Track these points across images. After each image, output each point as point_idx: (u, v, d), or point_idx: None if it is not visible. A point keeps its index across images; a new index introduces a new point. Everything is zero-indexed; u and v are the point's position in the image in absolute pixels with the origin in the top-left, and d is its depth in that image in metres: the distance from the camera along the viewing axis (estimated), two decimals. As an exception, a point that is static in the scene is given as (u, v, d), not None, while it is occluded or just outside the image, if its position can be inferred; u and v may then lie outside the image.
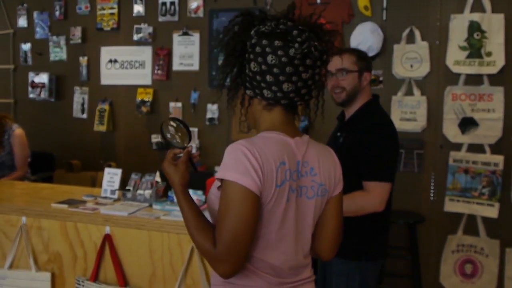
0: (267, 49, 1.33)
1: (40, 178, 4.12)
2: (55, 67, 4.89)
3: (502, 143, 3.58)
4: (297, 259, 1.42)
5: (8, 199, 2.89)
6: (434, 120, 3.75)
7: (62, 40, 4.82)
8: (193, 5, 4.36)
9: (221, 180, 1.31)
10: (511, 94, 3.57)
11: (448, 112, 3.68)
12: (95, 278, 2.46)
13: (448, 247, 3.73)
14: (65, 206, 2.57)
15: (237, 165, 1.28)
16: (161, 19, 4.47)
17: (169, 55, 4.47)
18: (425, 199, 3.79)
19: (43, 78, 4.86)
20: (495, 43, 3.54)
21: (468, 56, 3.59)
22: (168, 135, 1.54)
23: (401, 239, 3.66)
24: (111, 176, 2.78)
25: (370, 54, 3.73)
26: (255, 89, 1.39)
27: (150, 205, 2.61)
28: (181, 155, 1.49)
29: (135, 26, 4.53)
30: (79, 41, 4.75)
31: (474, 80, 3.63)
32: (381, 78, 3.85)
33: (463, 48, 3.61)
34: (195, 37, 4.38)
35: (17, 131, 3.74)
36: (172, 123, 1.54)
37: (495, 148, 3.59)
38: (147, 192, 2.68)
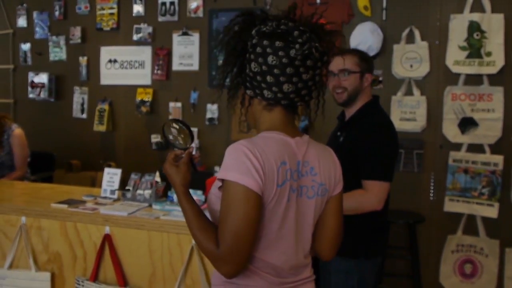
0: (268, 50, 1.33)
1: (40, 178, 4.12)
2: (54, 67, 4.89)
3: (502, 143, 3.58)
4: (298, 259, 1.42)
5: (8, 199, 2.88)
6: (434, 120, 3.75)
7: (61, 40, 4.82)
8: (192, 5, 4.36)
9: (222, 180, 1.31)
10: (511, 94, 3.58)
11: (448, 112, 3.68)
12: (94, 278, 2.46)
13: (447, 247, 3.73)
14: (64, 206, 2.57)
15: (238, 165, 1.28)
16: (160, 19, 4.47)
17: (168, 55, 4.47)
18: (425, 199, 3.79)
19: (42, 78, 4.86)
20: (494, 43, 3.54)
21: (468, 56, 3.59)
22: (170, 137, 1.54)
23: (401, 239, 3.66)
24: (111, 176, 2.78)
25: (370, 54, 3.73)
26: (256, 89, 1.38)
27: (150, 205, 2.60)
28: (183, 156, 1.49)
29: (135, 26, 4.53)
30: (79, 41, 4.75)
31: (473, 80, 3.63)
32: (380, 78, 3.85)
33: (462, 48, 3.61)
34: (195, 37, 4.38)
35: (17, 131, 3.74)
36: (174, 125, 1.53)
37: (495, 148, 3.59)
38: (147, 192, 2.68)
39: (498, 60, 3.53)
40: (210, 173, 3.56)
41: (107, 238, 2.44)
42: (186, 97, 4.42)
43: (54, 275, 2.57)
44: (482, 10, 3.58)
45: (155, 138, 4.47)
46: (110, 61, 4.71)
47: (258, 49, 1.34)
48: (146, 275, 2.41)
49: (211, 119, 4.33)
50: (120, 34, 4.65)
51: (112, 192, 2.75)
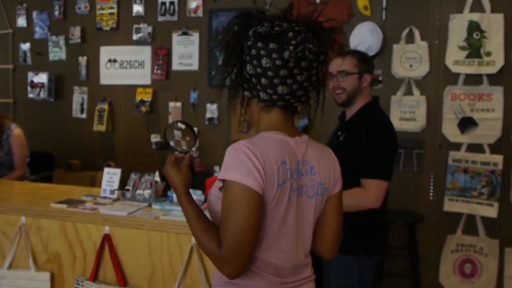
0: (262, 52, 1.33)
1: (39, 178, 4.12)
2: (54, 67, 4.89)
3: (502, 142, 3.58)
4: (298, 258, 1.43)
5: (7, 199, 2.88)
6: (433, 120, 3.75)
7: (61, 40, 4.82)
8: (192, 5, 4.36)
9: (223, 180, 1.31)
10: (510, 94, 3.58)
11: (448, 112, 3.68)
12: (94, 278, 2.46)
13: (447, 246, 3.73)
14: (64, 206, 2.57)
15: (239, 165, 1.28)
16: (160, 19, 4.47)
17: (168, 55, 4.47)
18: (425, 199, 3.80)
19: (42, 78, 4.86)
20: (494, 43, 3.54)
21: (468, 56, 3.59)
22: (172, 142, 1.53)
23: (400, 239, 3.66)
24: (110, 176, 2.78)
25: (370, 54, 3.73)
26: (252, 91, 1.39)
27: (150, 205, 2.60)
28: (184, 158, 1.49)
29: (135, 26, 4.53)
30: (79, 41, 4.75)
31: (473, 80, 3.64)
32: (380, 78, 3.85)
33: (462, 48, 3.61)
34: (195, 37, 4.38)
35: (16, 131, 3.74)
36: (180, 125, 1.53)
37: (495, 148, 3.59)
38: (147, 192, 2.68)
39: (497, 60, 3.53)
40: (210, 173, 3.56)
41: (106, 238, 2.44)
42: (185, 97, 4.42)
43: (54, 275, 2.57)
44: (481, 10, 3.58)
45: (155, 138, 4.47)
46: (109, 61, 4.71)
47: (253, 51, 1.34)
48: (145, 275, 2.41)
49: (210, 119, 4.33)
50: (120, 34, 4.65)
51: (112, 192, 2.74)
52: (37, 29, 4.92)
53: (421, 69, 3.73)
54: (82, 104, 4.80)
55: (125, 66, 4.65)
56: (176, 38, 4.44)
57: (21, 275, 2.58)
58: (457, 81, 3.68)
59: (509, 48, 3.54)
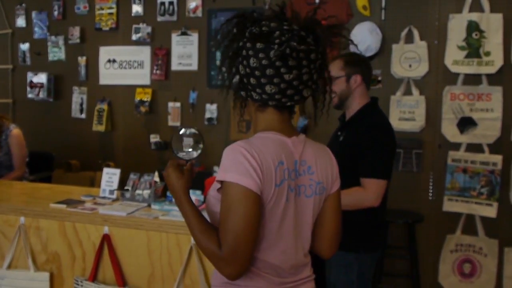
0: (250, 52, 1.33)
1: (39, 178, 4.11)
2: (53, 67, 4.88)
3: (501, 142, 3.58)
4: (297, 258, 1.43)
5: (6, 199, 2.88)
6: (432, 119, 3.75)
7: (60, 40, 4.81)
8: (191, 5, 4.36)
9: (221, 182, 1.31)
10: (510, 94, 3.58)
11: (447, 111, 3.68)
12: (93, 278, 2.46)
13: (446, 246, 3.73)
14: (63, 206, 2.57)
15: (237, 166, 1.28)
16: (159, 19, 4.47)
17: (167, 55, 4.47)
18: (424, 199, 3.80)
19: (41, 78, 4.85)
20: (493, 43, 3.54)
21: (467, 56, 3.59)
22: (176, 151, 1.53)
23: (400, 239, 3.66)
24: (110, 176, 2.78)
25: (369, 53, 3.74)
26: (246, 91, 1.39)
27: (149, 205, 2.60)
28: (185, 165, 1.51)
29: (134, 26, 4.53)
30: (78, 41, 4.75)
31: (472, 79, 3.64)
32: (379, 78, 3.85)
33: (461, 48, 3.61)
34: (194, 37, 4.38)
35: (15, 131, 3.74)
36: (194, 130, 1.53)
37: (494, 148, 3.59)
38: (146, 192, 2.68)
39: (497, 60, 3.53)
40: (209, 173, 3.56)
41: (106, 238, 2.44)
42: (185, 97, 4.42)
43: (53, 275, 2.57)
44: (481, 9, 3.59)
45: (154, 138, 4.47)
46: (109, 61, 4.70)
47: (243, 52, 1.35)
48: (145, 275, 2.40)
49: (210, 119, 4.33)
50: (119, 34, 4.65)
51: (111, 192, 2.74)
52: (36, 29, 4.92)
53: (420, 69, 3.73)
54: (81, 104, 4.80)
55: (124, 66, 4.65)
56: (175, 38, 4.44)
57: (20, 275, 2.58)
58: (456, 81, 3.68)
59: (508, 48, 3.54)
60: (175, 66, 4.46)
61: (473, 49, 3.58)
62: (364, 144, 2.27)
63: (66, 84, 4.87)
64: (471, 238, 3.68)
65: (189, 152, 1.53)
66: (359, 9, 3.86)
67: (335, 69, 2.37)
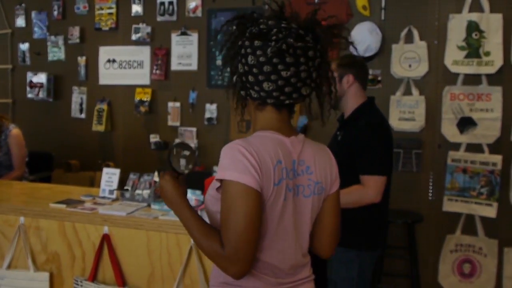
0: (248, 50, 1.34)
1: (38, 178, 4.11)
2: (53, 67, 4.88)
3: (501, 142, 3.58)
4: (296, 258, 1.42)
5: (6, 199, 2.88)
6: (432, 119, 3.75)
7: (60, 40, 4.81)
8: (191, 5, 4.36)
9: (221, 180, 1.31)
10: (510, 94, 3.58)
11: (447, 111, 3.68)
12: (93, 278, 2.46)
13: (446, 246, 3.73)
14: (63, 206, 2.57)
15: (236, 164, 1.28)
16: (159, 19, 4.47)
17: (167, 55, 4.46)
18: (424, 199, 3.80)
19: (41, 78, 4.85)
20: (493, 43, 3.54)
21: (467, 56, 3.59)
22: (173, 164, 1.53)
23: (399, 239, 3.66)
24: (110, 176, 2.77)
25: (369, 53, 3.74)
26: (246, 90, 1.39)
27: (149, 205, 2.60)
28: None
29: (134, 26, 4.52)
30: (78, 41, 4.75)
31: (472, 79, 3.64)
32: (379, 78, 3.85)
33: (461, 48, 3.61)
34: (194, 37, 4.38)
35: (14, 131, 3.74)
36: (185, 152, 1.54)
37: (494, 148, 3.59)
38: (146, 192, 2.68)
39: (496, 60, 3.53)
40: (209, 173, 3.56)
41: (105, 238, 2.44)
42: (184, 97, 4.42)
43: (53, 275, 2.57)
44: (480, 10, 3.59)
45: (154, 138, 4.47)
46: (108, 61, 4.70)
47: (242, 51, 1.36)
48: (144, 275, 2.40)
49: (209, 119, 4.33)
50: (119, 34, 4.65)
51: (111, 192, 2.74)
52: (36, 29, 4.92)
53: (420, 69, 3.73)
54: (81, 104, 4.80)
55: (124, 66, 4.65)
56: (175, 38, 4.43)
57: (20, 275, 2.57)
58: (456, 81, 3.68)
59: (508, 48, 3.54)
60: (174, 66, 4.46)
61: (473, 49, 3.58)
62: (361, 142, 2.32)
63: (66, 84, 4.87)
64: (471, 238, 3.68)
65: (181, 168, 1.54)
66: (359, 9, 3.86)
67: None
